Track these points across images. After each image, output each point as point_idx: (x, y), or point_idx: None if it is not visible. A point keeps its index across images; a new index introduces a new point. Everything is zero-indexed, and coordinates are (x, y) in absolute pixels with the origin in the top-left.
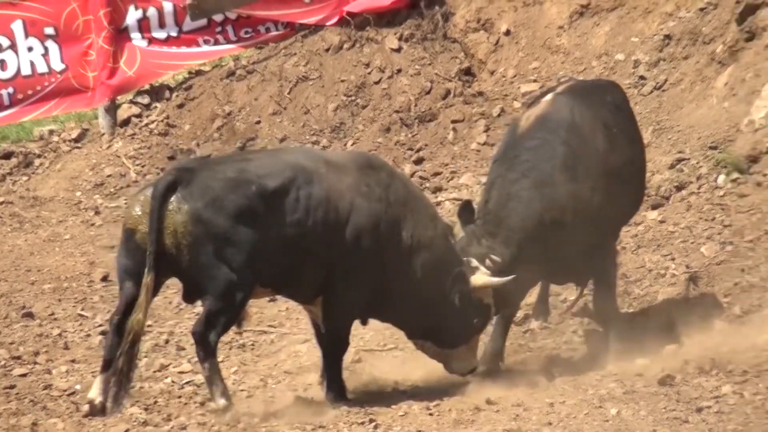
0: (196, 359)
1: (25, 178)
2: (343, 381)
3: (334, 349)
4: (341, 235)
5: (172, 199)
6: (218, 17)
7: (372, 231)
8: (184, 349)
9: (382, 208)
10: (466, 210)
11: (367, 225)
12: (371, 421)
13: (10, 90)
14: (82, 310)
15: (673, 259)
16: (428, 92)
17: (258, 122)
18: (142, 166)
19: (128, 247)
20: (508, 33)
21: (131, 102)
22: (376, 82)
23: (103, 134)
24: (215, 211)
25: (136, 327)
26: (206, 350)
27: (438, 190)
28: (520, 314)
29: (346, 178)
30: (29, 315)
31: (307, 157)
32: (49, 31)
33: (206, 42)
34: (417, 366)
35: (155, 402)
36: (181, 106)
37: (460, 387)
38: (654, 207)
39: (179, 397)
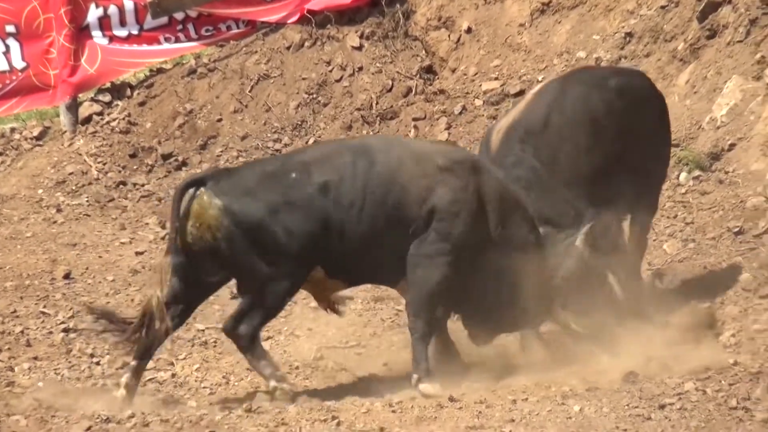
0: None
1: None
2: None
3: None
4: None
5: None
6: (179, 15)
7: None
8: None
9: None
10: None
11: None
12: (333, 417)
13: None
14: (44, 307)
15: None
16: (389, 90)
17: (219, 120)
18: (104, 164)
19: None
20: (469, 31)
21: (92, 100)
22: (338, 80)
23: (65, 132)
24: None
25: (153, 304)
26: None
27: None
28: None
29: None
30: None
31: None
32: (10, 29)
33: (167, 40)
34: (379, 363)
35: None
36: (142, 104)
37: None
38: None
39: (142, 394)
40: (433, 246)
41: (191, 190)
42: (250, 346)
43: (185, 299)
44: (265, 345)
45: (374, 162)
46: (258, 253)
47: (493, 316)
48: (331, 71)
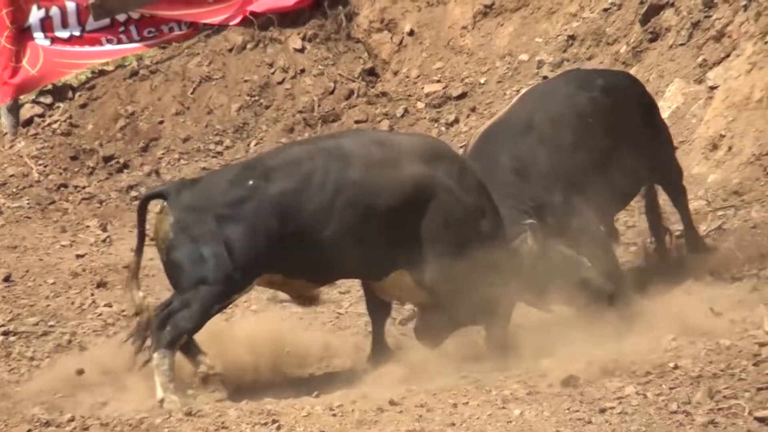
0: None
1: None
2: None
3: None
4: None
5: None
6: (121, 17)
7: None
8: (86, 349)
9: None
10: None
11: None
12: (274, 421)
13: None
14: None
15: None
16: (332, 92)
17: (161, 122)
18: (45, 166)
19: None
20: (411, 33)
21: (34, 102)
22: (280, 83)
23: (6, 134)
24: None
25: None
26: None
27: None
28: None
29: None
30: None
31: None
32: None
33: (109, 41)
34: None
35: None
36: (84, 105)
37: (363, 387)
38: None
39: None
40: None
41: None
42: (167, 347)
43: None
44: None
45: (348, 164)
46: (201, 264)
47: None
48: (273, 73)
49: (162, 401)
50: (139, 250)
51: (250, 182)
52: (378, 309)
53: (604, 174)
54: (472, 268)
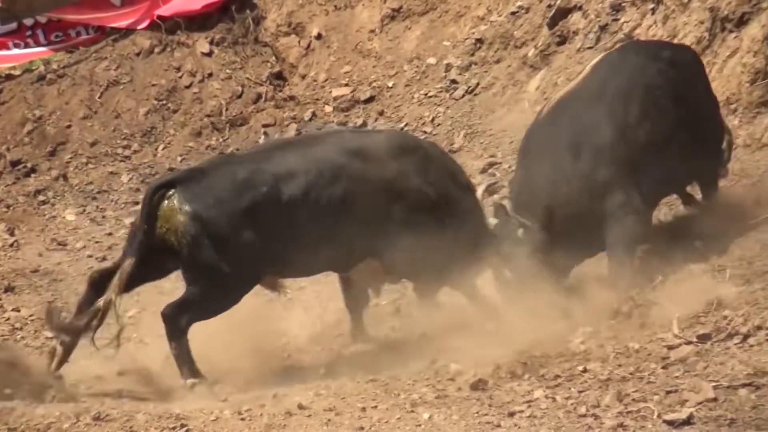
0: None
1: None
2: None
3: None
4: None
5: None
6: (29, 21)
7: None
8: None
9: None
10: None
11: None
12: (182, 426)
13: None
14: None
15: None
16: (239, 96)
17: (69, 126)
18: None
19: None
20: (319, 37)
21: None
22: (187, 87)
23: None
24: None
25: (103, 306)
26: (173, 330)
27: None
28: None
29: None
30: None
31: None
32: None
33: (16, 45)
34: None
35: None
36: None
37: (272, 390)
38: None
39: None
40: None
41: (162, 192)
42: (180, 336)
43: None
44: (114, 352)
45: (338, 179)
46: (220, 259)
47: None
48: (180, 77)
49: (193, 384)
50: (139, 250)
51: (264, 189)
52: (355, 300)
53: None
54: (435, 250)
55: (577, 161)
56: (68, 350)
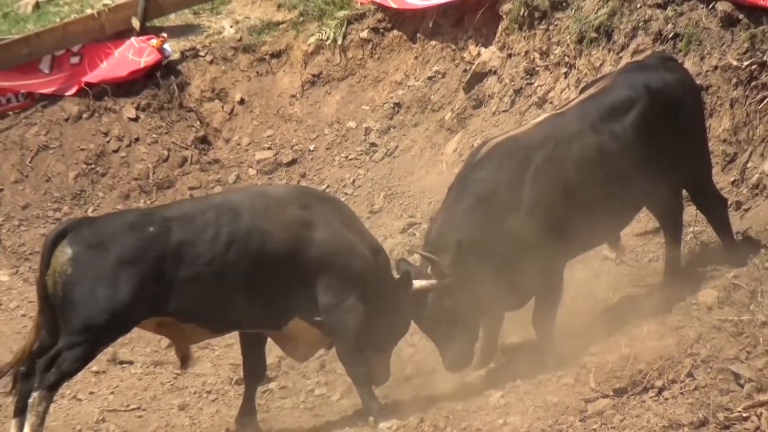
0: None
1: None
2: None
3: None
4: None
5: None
6: None
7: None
8: None
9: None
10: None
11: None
12: None
13: None
14: None
15: None
16: (166, 160)
17: (1, 190)
18: None
19: None
20: (242, 102)
21: None
22: (115, 151)
23: None
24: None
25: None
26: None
27: None
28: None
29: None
30: None
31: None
32: None
33: None
34: (160, 425)
35: None
36: None
37: None
38: None
39: None
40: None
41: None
42: (49, 389)
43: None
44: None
45: (239, 217)
46: (90, 300)
47: None
48: (108, 142)
49: None
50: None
51: (150, 229)
52: (252, 373)
53: None
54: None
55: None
56: None
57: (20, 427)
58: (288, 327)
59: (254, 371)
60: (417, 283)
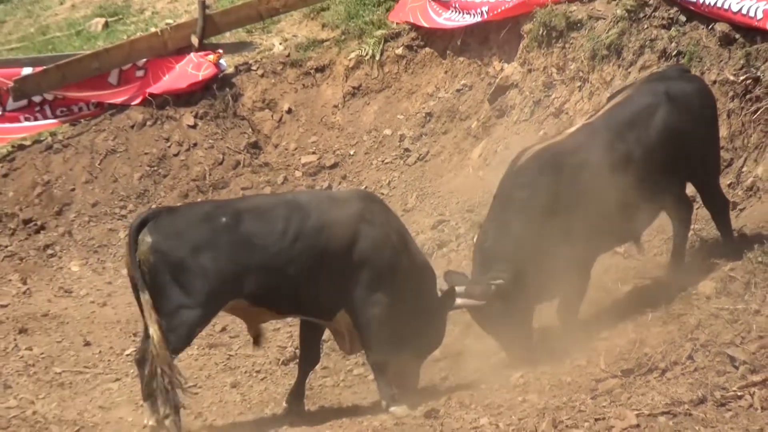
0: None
1: None
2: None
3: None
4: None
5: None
6: (37, 98)
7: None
8: (11, 387)
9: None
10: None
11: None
12: None
13: None
14: None
15: None
16: (221, 163)
17: (73, 189)
18: None
19: None
20: (289, 111)
21: None
22: (176, 155)
23: None
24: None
25: (152, 354)
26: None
27: None
28: (289, 354)
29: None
30: None
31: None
32: None
33: (27, 119)
34: (214, 401)
35: None
36: (5, 175)
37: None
38: None
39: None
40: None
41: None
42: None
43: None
44: (114, 386)
45: (307, 215)
46: (176, 286)
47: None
48: (169, 147)
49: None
50: (141, 287)
51: (223, 219)
52: (306, 360)
53: None
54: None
55: None
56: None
57: (153, 410)
58: (336, 319)
59: (309, 359)
60: (461, 302)
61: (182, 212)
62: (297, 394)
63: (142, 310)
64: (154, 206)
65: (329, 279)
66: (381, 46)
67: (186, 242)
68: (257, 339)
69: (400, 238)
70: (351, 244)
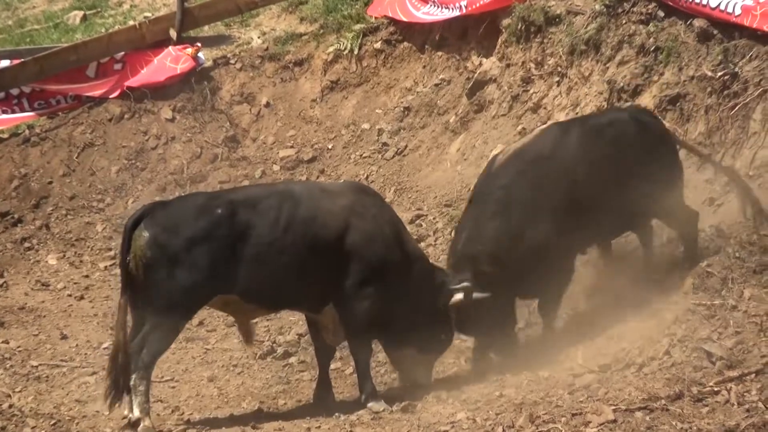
0: None
1: None
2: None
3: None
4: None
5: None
6: (15, 91)
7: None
8: None
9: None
10: None
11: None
12: None
13: None
14: None
15: None
16: (198, 157)
17: (50, 183)
18: None
19: None
20: (267, 105)
21: None
22: (153, 148)
23: None
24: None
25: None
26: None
27: None
28: (280, 351)
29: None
30: None
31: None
32: None
33: (4, 112)
34: (191, 394)
35: None
36: None
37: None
38: None
39: None
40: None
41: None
42: (144, 369)
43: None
44: (91, 380)
45: (298, 204)
46: (169, 280)
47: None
48: (147, 140)
49: (139, 421)
50: (124, 287)
51: (218, 211)
52: (322, 354)
53: None
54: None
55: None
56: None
57: (131, 405)
58: (324, 311)
59: (323, 350)
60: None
61: (177, 205)
62: (323, 387)
63: (132, 308)
64: (131, 200)
65: (319, 271)
66: (359, 40)
67: (182, 235)
68: (248, 337)
69: (394, 231)
70: (341, 236)
